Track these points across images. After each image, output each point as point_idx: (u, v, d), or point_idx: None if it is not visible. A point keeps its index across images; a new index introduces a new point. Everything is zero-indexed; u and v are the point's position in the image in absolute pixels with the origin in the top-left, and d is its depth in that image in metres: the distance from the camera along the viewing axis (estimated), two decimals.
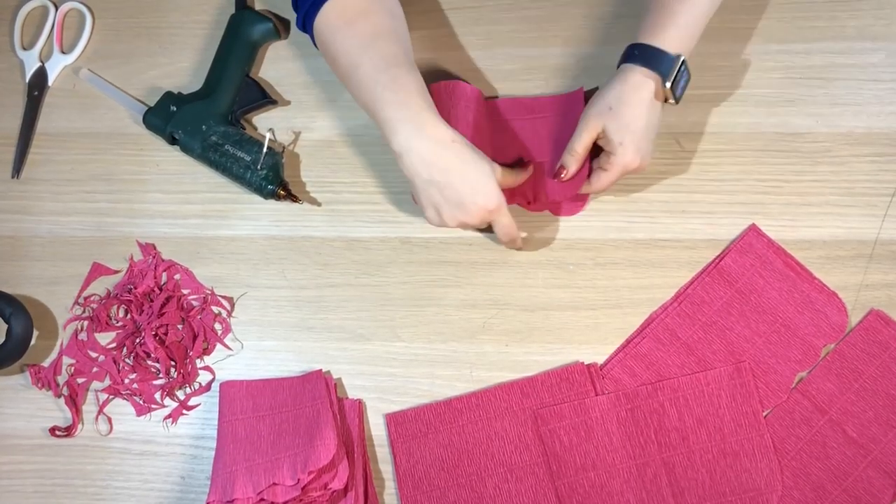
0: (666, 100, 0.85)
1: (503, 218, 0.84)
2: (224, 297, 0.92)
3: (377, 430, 0.88)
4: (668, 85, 0.83)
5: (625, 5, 0.96)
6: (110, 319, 0.93)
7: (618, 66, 0.86)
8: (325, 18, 0.86)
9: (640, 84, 0.83)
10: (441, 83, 0.92)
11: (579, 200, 0.91)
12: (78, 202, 0.96)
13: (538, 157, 0.92)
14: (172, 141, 0.95)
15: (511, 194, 0.89)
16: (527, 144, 0.93)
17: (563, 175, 0.87)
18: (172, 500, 0.88)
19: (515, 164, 0.91)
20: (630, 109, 0.83)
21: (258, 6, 1.00)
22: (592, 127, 0.85)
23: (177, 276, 0.93)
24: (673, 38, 0.83)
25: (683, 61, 0.83)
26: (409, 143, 0.81)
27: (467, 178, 0.81)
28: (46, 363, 0.92)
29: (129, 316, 0.92)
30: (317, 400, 0.86)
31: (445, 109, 0.88)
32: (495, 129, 0.93)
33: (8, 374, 0.92)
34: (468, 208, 0.82)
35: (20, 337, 0.89)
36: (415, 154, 0.81)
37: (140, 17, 1.02)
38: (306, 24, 0.88)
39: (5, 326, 0.89)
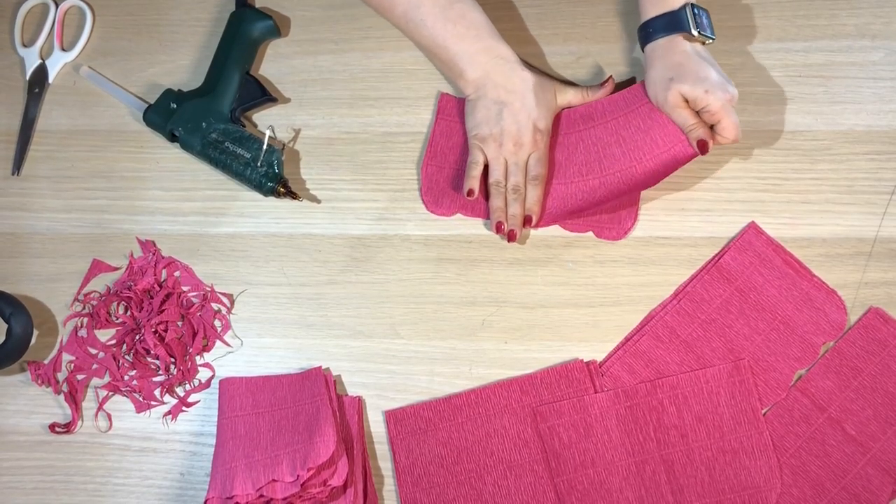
0: (703, 43, 0.87)
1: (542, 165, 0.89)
2: (224, 294, 0.93)
3: (377, 426, 0.88)
4: (695, 33, 0.85)
5: (623, 3, 0.96)
6: (110, 316, 0.93)
7: (643, 50, 0.87)
8: None
9: (674, 45, 0.85)
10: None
11: (626, 222, 0.90)
12: (78, 199, 0.96)
13: (609, 169, 0.88)
14: (172, 138, 0.95)
15: (566, 213, 0.90)
16: (591, 157, 0.90)
17: (710, 147, 0.84)
18: (172, 496, 0.88)
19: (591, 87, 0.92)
20: (686, 65, 0.84)
21: (258, 4, 1.00)
22: (674, 103, 0.84)
23: (176, 273, 0.93)
24: None
25: (692, 5, 0.85)
26: (486, 68, 0.89)
27: (527, 102, 0.88)
28: (46, 360, 0.92)
29: (128, 313, 0.92)
30: (316, 397, 0.86)
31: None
32: (551, 146, 0.91)
33: (8, 372, 0.92)
34: (523, 129, 0.88)
35: (20, 337, 0.89)
36: (490, 79, 0.88)
37: (140, 14, 1.02)
38: None
39: (5, 326, 0.89)
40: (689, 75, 0.83)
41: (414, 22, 0.90)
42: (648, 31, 0.86)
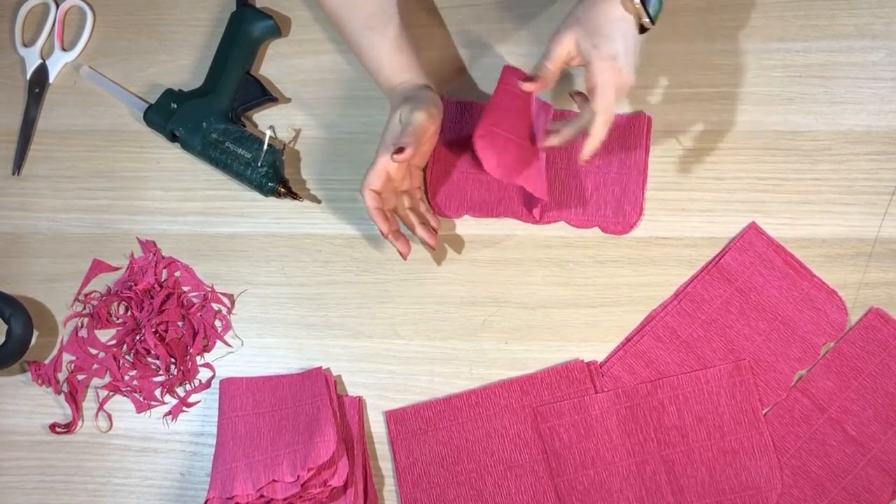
0: (642, 27, 0.79)
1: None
2: (224, 294, 0.92)
3: (377, 427, 0.88)
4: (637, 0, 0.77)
5: None
6: (110, 316, 0.93)
7: None
8: None
9: (610, 3, 0.78)
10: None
11: (631, 216, 0.90)
12: (78, 199, 0.96)
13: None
14: (173, 138, 0.95)
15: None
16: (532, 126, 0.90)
17: (526, 86, 0.82)
18: (172, 496, 0.88)
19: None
20: (598, 18, 0.78)
21: (259, 4, 1.00)
22: (565, 41, 0.80)
23: (177, 273, 0.93)
24: None
25: None
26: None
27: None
28: (46, 360, 0.92)
29: (129, 313, 0.92)
30: (317, 397, 0.86)
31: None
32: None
33: (8, 372, 0.92)
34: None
35: (20, 337, 0.89)
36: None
37: (141, 14, 1.02)
38: None
39: (5, 326, 0.89)
40: (592, 25, 0.78)
41: (343, 38, 0.91)
42: None
